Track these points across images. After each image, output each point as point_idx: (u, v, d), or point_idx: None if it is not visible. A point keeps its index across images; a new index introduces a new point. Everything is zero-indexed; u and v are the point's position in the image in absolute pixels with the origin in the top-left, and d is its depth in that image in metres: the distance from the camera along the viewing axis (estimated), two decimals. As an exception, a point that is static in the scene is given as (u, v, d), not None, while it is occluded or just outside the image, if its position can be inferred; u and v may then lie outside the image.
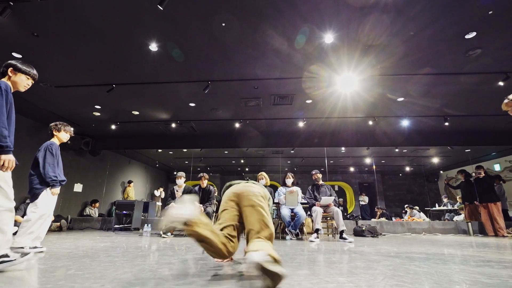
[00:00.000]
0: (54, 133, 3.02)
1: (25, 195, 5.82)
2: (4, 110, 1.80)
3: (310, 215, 4.66)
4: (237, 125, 6.60)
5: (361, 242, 4.01)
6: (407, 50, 3.82)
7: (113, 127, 6.85)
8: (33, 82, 2.14)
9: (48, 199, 2.79)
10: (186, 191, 5.17)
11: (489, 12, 3.10)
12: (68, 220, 6.41)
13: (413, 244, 3.76)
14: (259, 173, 5.07)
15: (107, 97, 5.06)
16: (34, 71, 2.13)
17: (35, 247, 2.69)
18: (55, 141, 3.01)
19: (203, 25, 3.40)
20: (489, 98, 5.18)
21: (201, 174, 5.15)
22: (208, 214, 4.67)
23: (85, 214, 7.58)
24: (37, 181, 2.79)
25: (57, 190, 2.83)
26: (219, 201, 4.95)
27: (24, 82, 2.07)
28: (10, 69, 2.00)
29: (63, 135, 3.04)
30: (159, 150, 9.30)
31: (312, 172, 4.97)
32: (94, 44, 3.76)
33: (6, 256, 1.77)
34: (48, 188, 2.81)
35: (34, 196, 2.76)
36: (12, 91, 1.96)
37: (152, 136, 7.77)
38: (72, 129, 3.14)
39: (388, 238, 4.98)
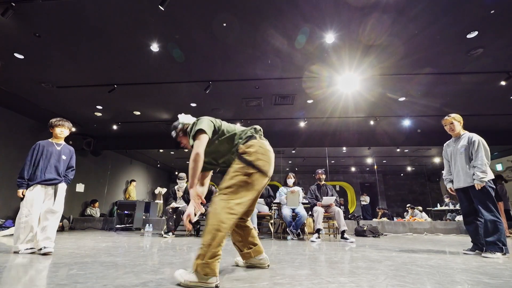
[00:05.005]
0: (50, 130, 2.93)
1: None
2: None
3: (312, 215, 4.65)
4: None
5: (362, 242, 4.01)
6: (408, 50, 3.81)
7: (114, 127, 6.86)
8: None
9: (24, 200, 2.67)
10: (187, 191, 5.24)
11: (491, 12, 3.08)
12: (70, 220, 6.43)
13: (414, 244, 3.75)
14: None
15: (108, 97, 5.07)
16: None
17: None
18: (52, 139, 2.93)
19: (204, 26, 3.40)
20: (490, 97, 5.16)
21: None
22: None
23: (86, 214, 7.60)
24: None
25: (19, 191, 2.67)
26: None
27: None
28: None
29: (56, 130, 2.91)
30: (161, 150, 9.32)
31: (318, 171, 4.95)
32: (96, 44, 3.77)
33: None
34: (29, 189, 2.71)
35: None
36: None
37: (153, 136, 7.77)
38: (68, 123, 2.97)
39: (389, 238, 4.96)
